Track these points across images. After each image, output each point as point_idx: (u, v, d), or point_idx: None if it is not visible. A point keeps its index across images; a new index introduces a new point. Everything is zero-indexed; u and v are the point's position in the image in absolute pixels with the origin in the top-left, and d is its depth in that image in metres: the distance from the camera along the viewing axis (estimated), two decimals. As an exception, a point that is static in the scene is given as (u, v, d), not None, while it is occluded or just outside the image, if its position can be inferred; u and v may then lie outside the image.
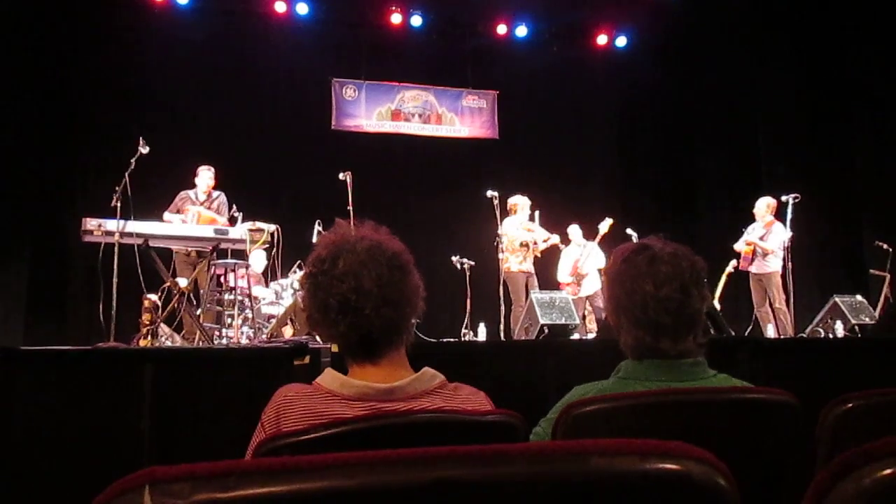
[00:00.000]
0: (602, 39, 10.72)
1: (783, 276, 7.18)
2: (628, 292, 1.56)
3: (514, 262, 7.39)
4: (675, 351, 1.53)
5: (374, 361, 1.38)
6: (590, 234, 8.16)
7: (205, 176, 6.73)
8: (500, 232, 7.04)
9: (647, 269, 1.54)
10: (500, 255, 7.01)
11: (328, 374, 1.39)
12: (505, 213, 7.15)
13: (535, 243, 7.43)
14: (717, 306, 7.15)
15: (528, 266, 7.40)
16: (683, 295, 1.52)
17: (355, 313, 1.34)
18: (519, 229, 7.40)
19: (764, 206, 7.51)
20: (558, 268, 8.10)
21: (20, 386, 2.77)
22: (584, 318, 7.73)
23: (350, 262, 1.35)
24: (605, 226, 7.91)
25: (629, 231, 7.86)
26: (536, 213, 7.66)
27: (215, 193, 6.74)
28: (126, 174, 5.06)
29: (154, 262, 4.96)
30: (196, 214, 6.30)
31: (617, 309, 1.60)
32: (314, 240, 7.00)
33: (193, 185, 6.74)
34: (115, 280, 4.86)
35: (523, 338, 5.26)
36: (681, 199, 10.66)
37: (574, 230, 8.21)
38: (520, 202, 7.52)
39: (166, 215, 6.42)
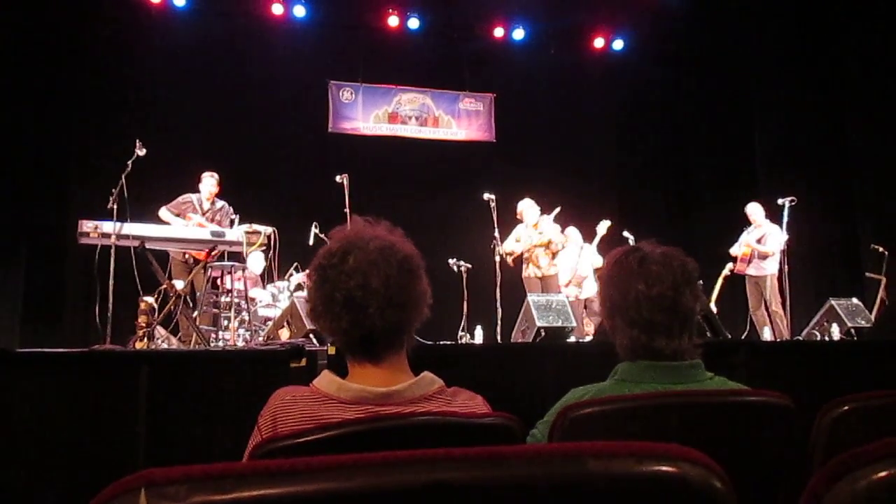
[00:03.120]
0: (599, 42, 10.74)
1: (779, 279, 7.20)
2: (622, 293, 1.57)
3: (523, 268, 7.45)
4: (670, 349, 1.54)
5: (374, 362, 1.38)
6: (588, 236, 8.17)
7: (208, 183, 6.69)
8: (495, 235, 7.04)
9: (638, 269, 1.56)
10: (496, 258, 7.01)
11: (325, 376, 1.38)
12: (500, 215, 7.16)
13: (547, 244, 7.43)
14: (714, 309, 7.15)
15: (536, 271, 7.37)
16: (675, 293, 1.54)
17: (359, 311, 1.34)
18: (524, 234, 7.42)
19: (760, 210, 7.54)
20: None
21: (16, 388, 2.77)
22: (581, 321, 7.73)
23: (360, 260, 1.35)
24: (602, 228, 7.90)
25: (626, 234, 7.88)
26: (556, 211, 7.64)
27: (219, 203, 6.71)
28: (122, 176, 5.06)
29: (150, 264, 4.95)
30: (197, 225, 6.30)
31: (611, 310, 1.61)
32: (311, 242, 7.00)
33: (197, 189, 6.71)
34: (111, 282, 4.84)
35: (520, 340, 5.26)
36: (678, 202, 10.68)
37: (572, 232, 8.20)
38: (519, 208, 7.54)
39: (164, 212, 6.38)
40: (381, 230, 1.43)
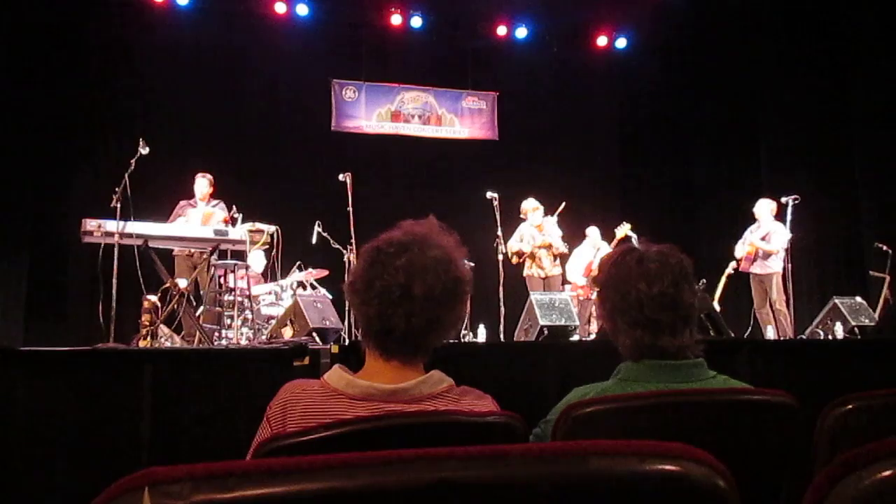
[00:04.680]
0: (602, 41, 10.72)
1: (783, 278, 7.19)
2: (622, 294, 1.57)
3: (526, 267, 7.45)
4: (675, 346, 1.54)
5: (385, 357, 1.38)
6: (604, 236, 8.20)
7: (201, 183, 6.65)
8: (498, 233, 7.03)
9: (637, 269, 1.56)
10: (499, 257, 7.01)
11: (335, 372, 1.39)
12: (504, 214, 7.15)
13: (548, 246, 7.42)
14: (717, 307, 7.13)
15: (539, 271, 7.36)
16: (676, 290, 1.54)
17: (389, 307, 1.34)
18: (527, 234, 7.40)
19: (767, 208, 7.52)
20: (567, 268, 8.09)
21: (20, 386, 2.77)
22: (589, 320, 7.72)
23: (413, 261, 1.34)
24: (621, 231, 7.89)
25: (629, 233, 7.86)
26: (560, 208, 7.64)
27: (214, 202, 6.70)
28: (126, 175, 5.06)
29: (154, 262, 4.96)
30: (202, 213, 6.31)
31: (612, 312, 1.61)
32: (314, 241, 7.01)
33: (192, 194, 6.70)
34: (114, 281, 4.85)
35: (523, 339, 5.25)
36: (681, 201, 10.66)
37: (593, 231, 8.21)
38: (524, 207, 7.53)
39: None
40: (450, 241, 1.43)
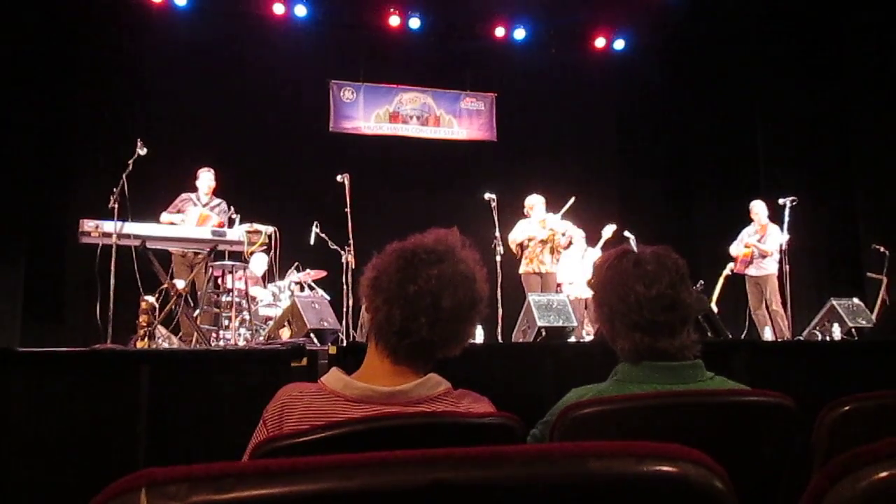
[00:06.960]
0: (600, 42, 10.73)
1: (780, 279, 7.20)
2: (621, 296, 1.56)
3: (524, 264, 7.38)
4: (674, 347, 1.54)
5: (393, 359, 1.38)
6: (592, 238, 8.17)
7: (205, 178, 6.71)
8: (496, 234, 7.02)
9: (634, 272, 1.56)
10: (497, 258, 6.99)
11: (333, 373, 1.39)
12: (501, 215, 7.13)
13: (551, 240, 7.36)
14: (715, 309, 7.14)
15: (539, 266, 7.30)
16: (674, 291, 1.54)
17: (415, 311, 1.33)
18: (526, 229, 7.38)
19: (762, 209, 7.53)
20: (558, 270, 8.08)
21: (17, 387, 2.77)
22: (582, 321, 7.70)
23: (446, 272, 1.35)
24: (608, 231, 7.87)
25: (627, 234, 7.87)
26: (569, 203, 7.60)
27: (216, 200, 6.72)
28: (124, 176, 5.06)
29: (151, 263, 4.95)
30: (198, 214, 6.31)
31: (610, 315, 1.60)
32: (311, 242, 7.00)
33: (194, 188, 6.72)
34: (112, 281, 4.85)
35: (521, 340, 5.25)
36: (679, 202, 10.67)
37: (577, 234, 8.18)
38: (528, 202, 7.49)
39: (164, 216, 6.40)
40: (474, 257, 1.44)
